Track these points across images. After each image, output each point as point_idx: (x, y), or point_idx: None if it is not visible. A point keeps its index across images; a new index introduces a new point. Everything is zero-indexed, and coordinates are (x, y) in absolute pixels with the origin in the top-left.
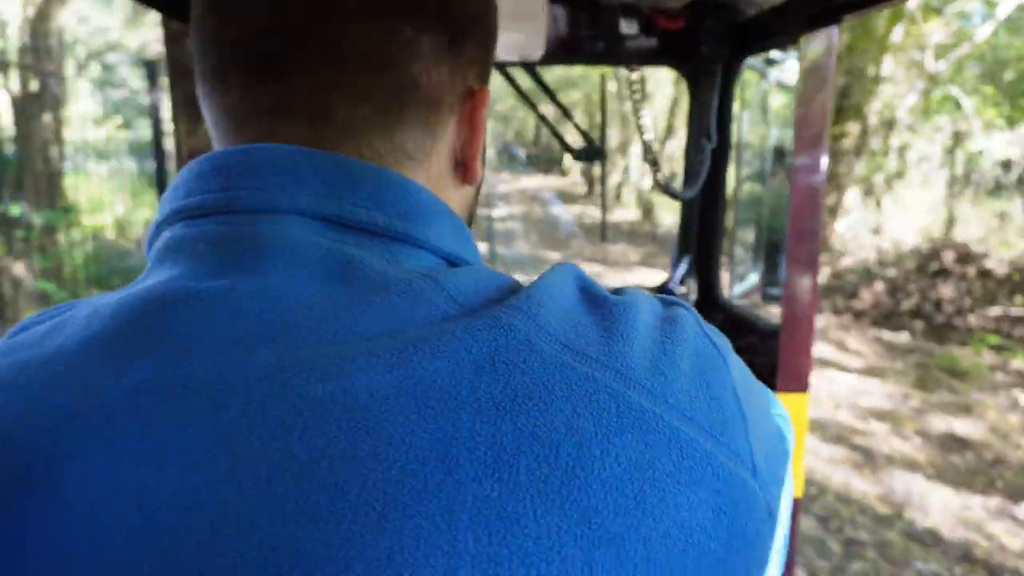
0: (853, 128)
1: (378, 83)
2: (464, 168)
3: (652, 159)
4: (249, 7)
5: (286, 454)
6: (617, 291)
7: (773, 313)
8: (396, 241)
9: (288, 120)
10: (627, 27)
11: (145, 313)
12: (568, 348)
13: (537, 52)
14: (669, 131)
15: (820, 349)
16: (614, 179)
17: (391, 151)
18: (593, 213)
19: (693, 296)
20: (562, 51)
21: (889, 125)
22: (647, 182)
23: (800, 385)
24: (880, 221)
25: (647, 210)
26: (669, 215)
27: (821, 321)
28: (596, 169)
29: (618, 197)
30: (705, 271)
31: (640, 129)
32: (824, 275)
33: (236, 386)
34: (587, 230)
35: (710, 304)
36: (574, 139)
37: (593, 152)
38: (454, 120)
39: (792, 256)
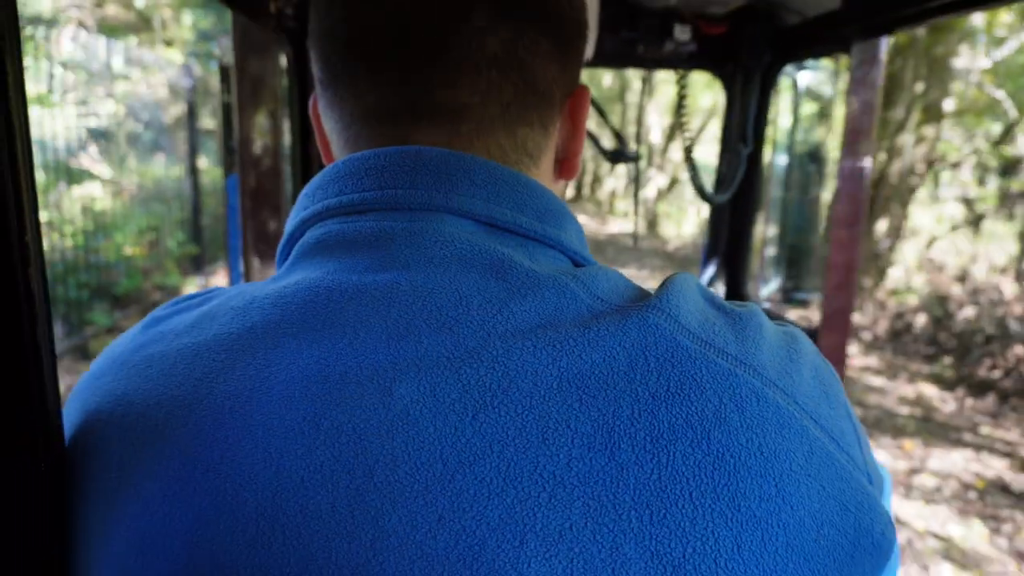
0: (929, 131)
1: (506, 83)
2: (563, 164)
3: (690, 161)
4: (383, 12)
5: (459, 438)
6: (734, 303)
7: (801, 316)
8: (534, 241)
9: (423, 121)
10: (669, 32)
11: (310, 304)
12: (709, 345)
13: (586, 55)
14: (672, 134)
15: (991, 463)
16: (608, 185)
17: (514, 148)
18: (585, 222)
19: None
20: (605, 54)
21: (1008, 130)
22: (651, 189)
23: None
24: (996, 253)
25: (651, 223)
26: (673, 228)
27: (952, 404)
28: (586, 173)
29: (611, 207)
30: (733, 274)
31: (683, 129)
32: (921, 321)
33: (405, 374)
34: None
35: None
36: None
37: (627, 154)
38: (560, 118)
39: (834, 261)
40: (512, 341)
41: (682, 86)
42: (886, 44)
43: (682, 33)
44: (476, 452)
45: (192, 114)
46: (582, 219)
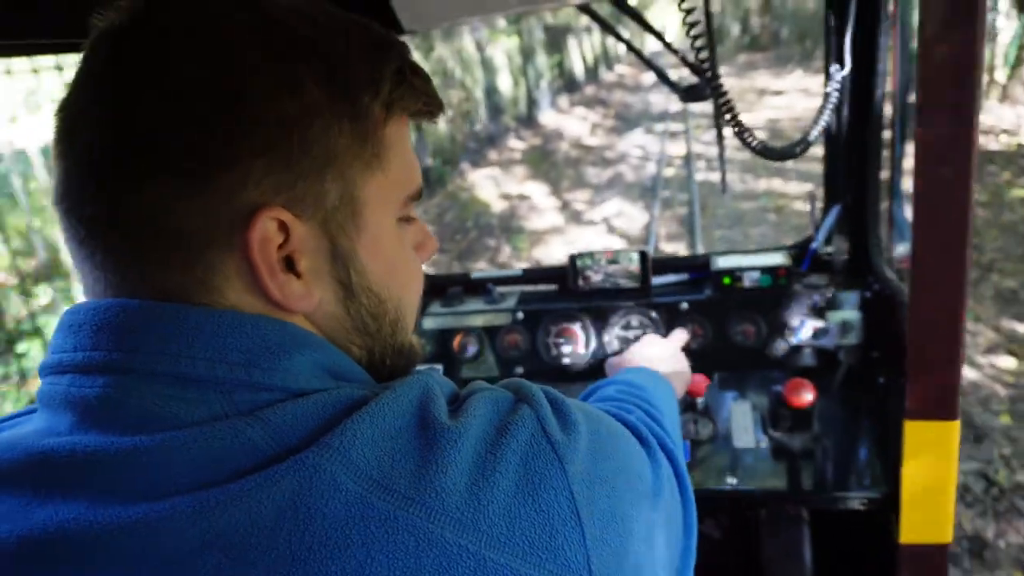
0: None
1: (127, 233)
2: (269, 298)
3: (726, 104)
4: (66, 163)
5: None
6: (464, 400)
7: None
8: (238, 387)
9: (98, 270)
10: None
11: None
12: (376, 484)
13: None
14: None
15: None
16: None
17: (160, 291)
18: None
19: (843, 258)
20: None
21: None
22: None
23: (941, 411)
24: None
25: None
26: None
27: None
28: None
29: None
30: (858, 227)
31: (701, 59)
32: None
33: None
34: None
35: (863, 270)
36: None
37: (703, 89)
38: (234, 253)
39: (922, 218)
40: (154, 505)
41: None
42: None
43: None
44: None
45: None
46: None
